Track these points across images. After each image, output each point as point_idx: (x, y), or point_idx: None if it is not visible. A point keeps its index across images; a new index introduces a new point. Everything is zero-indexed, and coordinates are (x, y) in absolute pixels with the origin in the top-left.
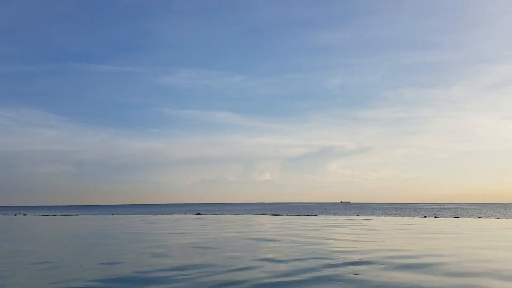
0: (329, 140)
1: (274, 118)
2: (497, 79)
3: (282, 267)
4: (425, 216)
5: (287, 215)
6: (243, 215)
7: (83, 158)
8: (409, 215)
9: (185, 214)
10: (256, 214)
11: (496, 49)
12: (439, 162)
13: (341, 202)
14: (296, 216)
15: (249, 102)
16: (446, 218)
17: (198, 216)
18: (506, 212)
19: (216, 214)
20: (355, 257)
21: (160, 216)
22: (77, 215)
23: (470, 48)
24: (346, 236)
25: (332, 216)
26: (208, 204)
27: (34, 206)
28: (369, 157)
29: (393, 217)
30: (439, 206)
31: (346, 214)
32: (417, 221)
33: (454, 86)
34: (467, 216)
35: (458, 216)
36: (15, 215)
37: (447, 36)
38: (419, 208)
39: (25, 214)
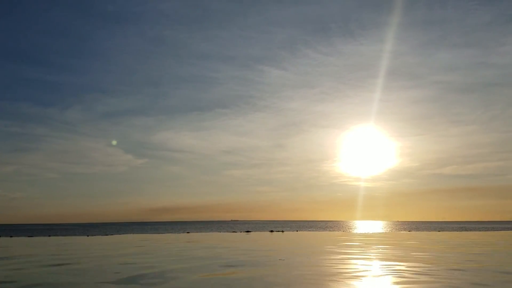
0: None
1: None
2: (110, 110)
3: None
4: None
5: None
6: None
7: None
8: None
9: None
10: None
11: (113, 82)
12: (48, 182)
13: None
14: None
15: None
16: (20, 237)
17: None
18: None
19: None
20: None
21: None
22: None
23: (91, 75)
24: None
25: None
26: None
27: None
28: None
29: None
30: (41, 227)
31: None
32: None
33: (70, 108)
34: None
35: (32, 235)
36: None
37: (71, 59)
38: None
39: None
